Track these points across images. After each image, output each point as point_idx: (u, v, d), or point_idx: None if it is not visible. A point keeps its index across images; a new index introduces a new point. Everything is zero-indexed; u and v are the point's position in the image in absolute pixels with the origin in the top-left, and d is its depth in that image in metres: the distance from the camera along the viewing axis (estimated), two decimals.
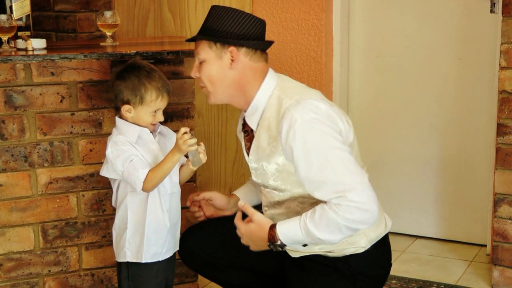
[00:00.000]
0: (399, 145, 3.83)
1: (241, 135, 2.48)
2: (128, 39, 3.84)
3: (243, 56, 2.28)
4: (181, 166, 2.54)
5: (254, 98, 2.31)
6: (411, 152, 3.80)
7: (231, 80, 2.30)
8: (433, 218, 3.81)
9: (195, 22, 3.91)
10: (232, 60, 2.28)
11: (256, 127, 2.33)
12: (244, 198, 2.63)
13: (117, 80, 2.43)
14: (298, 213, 2.31)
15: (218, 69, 2.29)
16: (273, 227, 2.24)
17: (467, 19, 3.56)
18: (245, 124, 2.41)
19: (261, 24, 2.32)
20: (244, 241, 2.33)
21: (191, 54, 2.75)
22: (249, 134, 2.39)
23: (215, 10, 2.31)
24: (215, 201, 2.62)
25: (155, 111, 2.42)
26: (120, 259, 2.51)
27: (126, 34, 3.96)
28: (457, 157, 3.70)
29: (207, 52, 2.29)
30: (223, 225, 2.57)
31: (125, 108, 2.42)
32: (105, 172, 2.46)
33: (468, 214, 3.72)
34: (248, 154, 2.40)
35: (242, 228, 2.31)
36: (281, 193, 2.35)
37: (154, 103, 2.41)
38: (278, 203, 2.38)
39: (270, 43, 2.36)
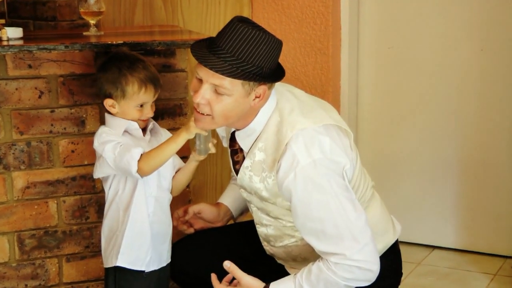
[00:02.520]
0: (414, 146, 3.82)
1: (226, 144, 2.48)
2: (114, 28, 3.83)
3: (268, 90, 2.23)
4: (177, 170, 2.54)
5: (252, 122, 2.28)
6: (427, 154, 3.80)
7: (244, 111, 2.23)
8: (452, 226, 3.80)
9: (188, 9, 3.90)
10: (258, 97, 2.21)
11: (248, 148, 2.33)
12: (232, 205, 2.67)
13: (99, 73, 2.45)
14: (290, 233, 2.37)
15: (240, 105, 2.20)
16: None
17: (490, 6, 3.56)
18: (233, 141, 2.39)
19: (281, 46, 2.23)
20: None
21: (183, 45, 2.75)
22: (237, 153, 2.39)
23: (247, 32, 2.14)
24: (204, 215, 2.64)
25: (141, 105, 2.42)
26: (108, 264, 2.51)
27: (112, 23, 3.96)
28: (479, 159, 3.70)
29: (237, 90, 2.17)
30: (216, 237, 2.58)
31: (108, 103, 2.42)
32: (98, 170, 2.45)
33: (491, 222, 3.72)
34: (236, 172, 2.41)
35: None
36: (270, 217, 2.37)
37: (137, 96, 2.40)
38: (268, 223, 2.42)
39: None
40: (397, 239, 2.51)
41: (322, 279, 2.20)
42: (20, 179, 2.70)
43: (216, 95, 2.18)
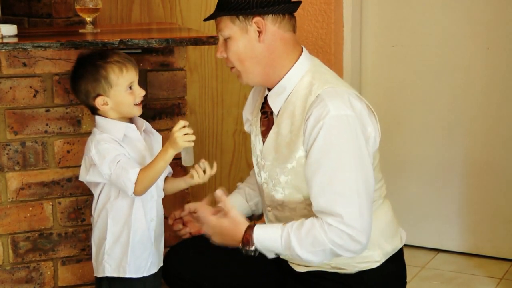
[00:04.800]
0: (419, 146, 3.83)
1: (256, 118, 2.48)
2: (111, 25, 3.84)
3: (271, 25, 2.32)
4: (166, 176, 2.57)
5: (284, 77, 2.35)
6: (432, 155, 3.80)
7: (261, 55, 2.33)
8: (457, 229, 3.80)
9: (187, 6, 3.91)
10: (260, 32, 2.31)
11: (278, 110, 2.37)
12: None
13: (77, 82, 2.45)
14: (305, 216, 2.35)
15: (246, 45, 2.32)
16: (249, 229, 2.30)
17: (495, 3, 3.56)
18: (265, 104, 2.43)
19: None
20: (209, 232, 2.38)
21: (182, 42, 2.76)
22: (268, 116, 2.42)
23: None
24: (200, 214, 2.63)
25: (130, 87, 2.44)
26: (100, 274, 2.52)
27: (109, 20, 3.96)
28: (485, 160, 3.70)
29: (231, 28, 2.32)
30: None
31: (99, 102, 2.43)
32: (90, 176, 2.45)
33: (496, 225, 3.72)
34: (263, 141, 2.42)
35: (212, 221, 2.36)
36: (287, 191, 2.36)
37: (122, 78, 2.42)
38: (283, 204, 2.40)
39: (298, 3, 2.39)
40: (402, 247, 2.52)
41: (312, 235, 2.22)
42: (14, 180, 2.70)
43: (226, 44, 2.35)
